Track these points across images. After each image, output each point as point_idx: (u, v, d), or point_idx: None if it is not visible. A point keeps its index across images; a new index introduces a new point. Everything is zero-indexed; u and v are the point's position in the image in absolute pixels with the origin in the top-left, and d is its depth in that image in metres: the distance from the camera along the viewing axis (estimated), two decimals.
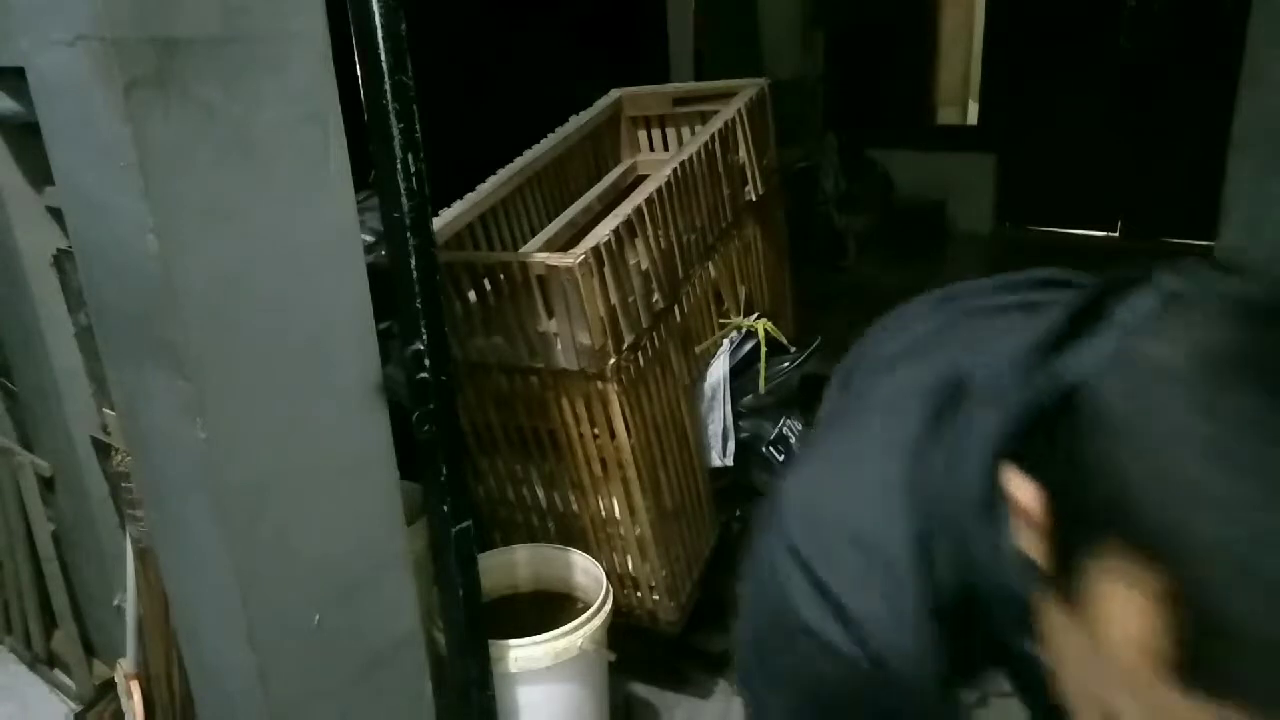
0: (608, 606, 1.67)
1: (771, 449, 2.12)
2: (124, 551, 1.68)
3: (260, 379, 1.15)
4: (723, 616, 2.00)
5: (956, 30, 6.08)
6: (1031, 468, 0.54)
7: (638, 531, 1.83)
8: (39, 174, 1.63)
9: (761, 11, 5.06)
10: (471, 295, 1.78)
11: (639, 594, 1.92)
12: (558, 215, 2.24)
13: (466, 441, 1.95)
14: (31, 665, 2.14)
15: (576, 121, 2.43)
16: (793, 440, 2.12)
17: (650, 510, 1.80)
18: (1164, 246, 5.00)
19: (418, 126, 1.17)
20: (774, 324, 2.20)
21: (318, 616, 1.25)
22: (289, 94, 1.11)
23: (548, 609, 1.78)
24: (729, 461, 2.19)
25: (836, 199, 5.03)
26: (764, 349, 2.12)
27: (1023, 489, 0.53)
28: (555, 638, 1.57)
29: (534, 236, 2.16)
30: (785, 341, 2.22)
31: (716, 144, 2.13)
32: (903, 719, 0.68)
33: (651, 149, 2.58)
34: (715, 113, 2.28)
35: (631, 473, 1.77)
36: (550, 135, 2.35)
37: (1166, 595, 0.44)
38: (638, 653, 1.98)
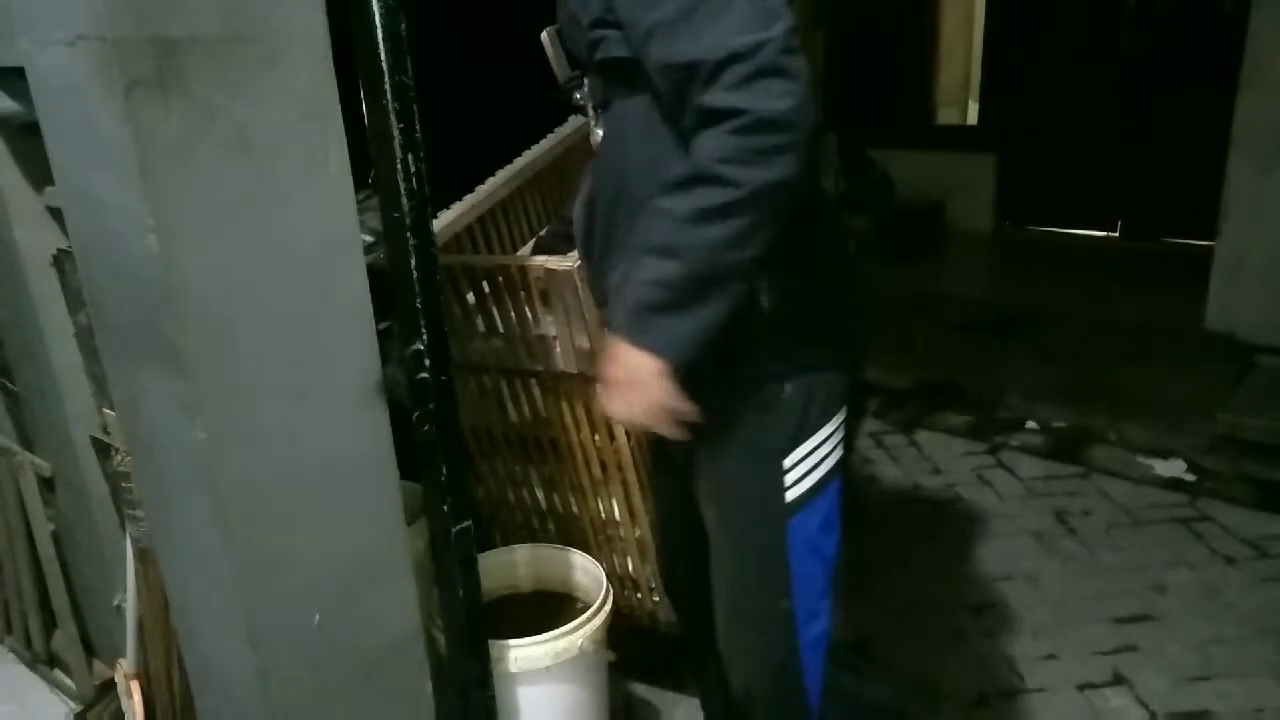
0: (608, 606, 1.67)
1: None
2: (124, 551, 1.68)
3: (260, 379, 1.15)
4: None
5: (956, 30, 6.08)
6: None
7: (638, 533, 1.83)
8: (39, 174, 1.63)
9: None
10: (470, 298, 1.78)
11: (639, 595, 1.92)
12: (557, 216, 2.24)
13: (466, 443, 1.95)
14: (31, 665, 2.14)
15: (576, 122, 2.43)
16: None
17: (650, 512, 1.80)
18: (1164, 246, 5.00)
19: (418, 126, 1.17)
20: None
21: (318, 616, 1.26)
22: (289, 94, 1.11)
23: (548, 609, 1.78)
24: None
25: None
26: None
27: None
28: (555, 638, 1.57)
29: (533, 238, 2.16)
30: None
31: None
32: None
33: None
34: None
35: (631, 475, 1.77)
36: (550, 135, 2.34)
37: None
38: (638, 653, 1.98)
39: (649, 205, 1.10)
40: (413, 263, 1.21)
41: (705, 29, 1.03)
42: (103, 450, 1.70)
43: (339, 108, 1.15)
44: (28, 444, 1.99)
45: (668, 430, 1.16)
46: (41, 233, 1.70)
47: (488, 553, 1.79)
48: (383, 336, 1.27)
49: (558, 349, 1.72)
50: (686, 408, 1.13)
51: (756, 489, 1.26)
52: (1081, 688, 2.02)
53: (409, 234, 1.20)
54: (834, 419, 1.28)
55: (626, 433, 1.73)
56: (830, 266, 1.26)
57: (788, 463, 1.24)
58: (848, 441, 1.33)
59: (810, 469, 1.25)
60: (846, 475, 1.33)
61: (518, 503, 2.00)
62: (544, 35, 1.30)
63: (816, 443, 1.26)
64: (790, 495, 1.25)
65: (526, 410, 1.87)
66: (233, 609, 1.21)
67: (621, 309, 1.14)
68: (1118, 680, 2.04)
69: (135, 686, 1.69)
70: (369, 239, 1.39)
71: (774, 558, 1.27)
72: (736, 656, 1.35)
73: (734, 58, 1.01)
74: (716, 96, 1.02)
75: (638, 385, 1.13)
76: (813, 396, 1.24)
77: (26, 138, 1.53)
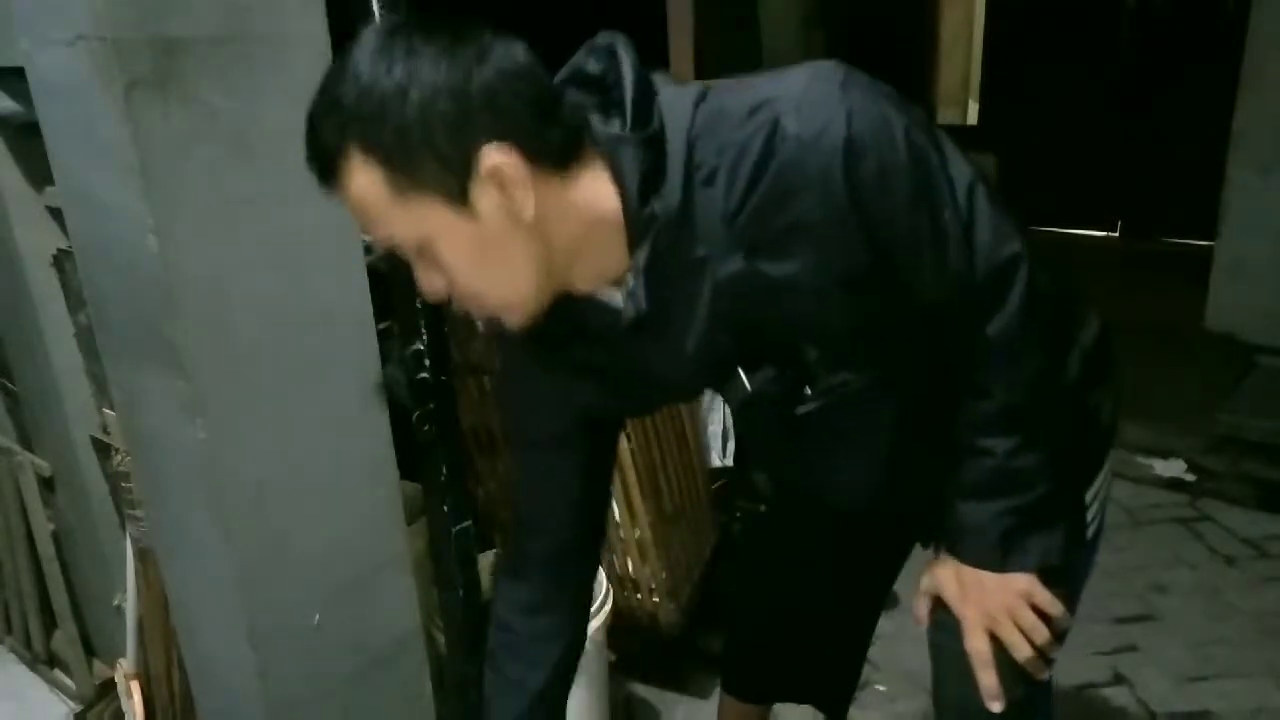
0: (608, 606, 1.67)
1: None
2: (124, 551, 1.68)
3: (260, 379, 1.15)
4: (723, 617, 2.00)
5: (956, 30, 6.08)
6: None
7: (638, 534, 1.83)
8: (39, 174, 1.63)
9: (762, 11, 5.07)
10: None
11: (639, 596, 1.92)
12: None
13: (466, 443, 1.95)
14: (31, 665, 2.14)
15: None
16: None
17: (650, 513, 1.80)
18: (1164, 246, 5.00)
19: None
20: None
21: (318, 616, 1.26)
22: (289, 94, 1.11)
23: None
24: (729, 462, 2.19)
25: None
26: None
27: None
28: None
29: None
30: None
31: None
32: None
33: None
34: None
35: (631, 476, 1.77)
36: None
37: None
38: (638, 653, 1.98)
39: (961, 442, 1.00)
40: None
41: (954, 251, 0.88)
42: (103, 450, 1.70)
43: None
44: (28, 444, 1.99)
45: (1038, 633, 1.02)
46: (41, 233, 1.70)
47: (488, 553, 1.79)
48: (383, 336, 1.27)
49: None
50: (1058, 608, 1.02)
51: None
52: (1081, 688, 2.02)
53: None
54: (1109, 455, 1.19)
55: (627, 435, 1.73)
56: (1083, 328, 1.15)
57: (1087, 496, 1.13)
58: None
59: (1097, 512, 1.16)
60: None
61: None
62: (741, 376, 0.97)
63: (1104, 479, 1.16)
64: (1089, 533, 1.14)
65: None
66: (233, 609, 1.21)
67: (975, 549, 1.02)
68: (1118, 680, 2.04)
69: (135, 686, 1.69)
70: (369, 239, 1.39)
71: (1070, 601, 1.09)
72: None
73: (1005, 270, 0.90)
74: (1008, 330, 0.92)
75: (1019, 602, 1.02)
76: (1107, 420, 1.18)
77: (26, 138, 1.53)
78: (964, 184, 0.87)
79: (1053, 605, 1.01)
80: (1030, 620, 1.01)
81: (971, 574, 1.03)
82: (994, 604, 1.02)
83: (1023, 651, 1.02)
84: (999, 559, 1.01)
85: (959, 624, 1.06)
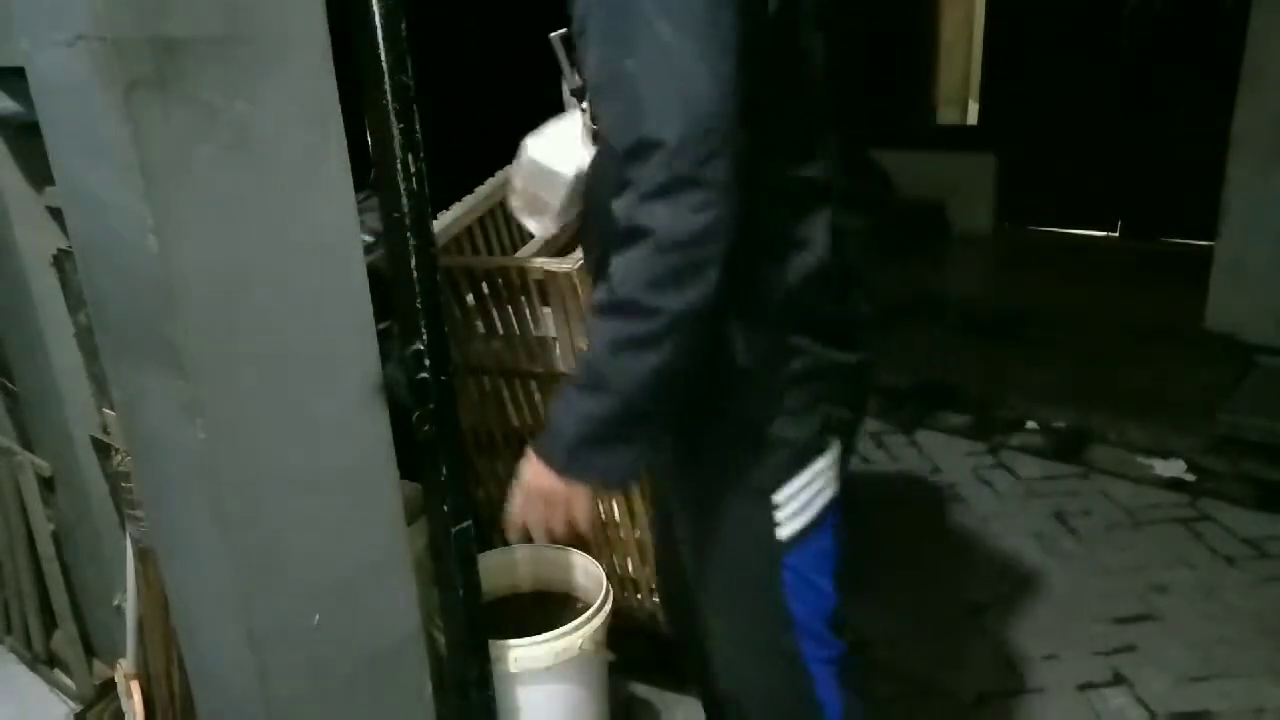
0: (608, 606, 1.67)
1: None
2: (124, 551, 1.68)
3: (260, 379, 1.15)
4: None
5: (956, 30, 6.08)
6: None
7: (637, 535, 1.83)
8: (39, 174, 1.63)
9: None
10: (470, 299, 1.78)
11: (639, 596, 1.92)
12: None
13: (466, 443, 1.95)
14: (31, 665, 2.14)
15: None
16: None
17: (650, 513, 1.80)
18: (1164, 246, 5.00)
19: (418, 126, 1.17)
20: None
21: (318, 616, 1.25)
22: (289, 94, 1.11)
23: (548, 609, 1.78)
24: None
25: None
26: None
27: None
28: (555, 638, 1.57)
29: (532, 239, 2.16)
30: None
31: None
32: None
33: None
34: None
35: None
36: None
37: None
38: (638, 653, 1.98)
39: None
40: (413, 263, 1.21)
41: (622, 104, 0.93)
42: (103, 450, 1.70)
43: (339, 108, 1.15)
44: (28, 444, 1.99)
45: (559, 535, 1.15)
46: (41, 233, 1.70)
47: (488, 553, 1.79)
48: (383, 336, 1.27)
49: (557, 350, 1.72)
50: (590, 521, 1.13)
51: (746, 529, 1.19)
52: (1081, 688, 2.02)
53: (409, 234, 1.20)
54: (827, 453, 1.20)
55: None
56: (811, 308, 1.16)
57: (778, 499, 1.17)
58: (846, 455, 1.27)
59: (803, 505, 1.19)
60: (842, 508, 1.26)
61: None
62: (553, 38, 1.22)
63: (808, 479, 1.18)
64: (783, 533, 1.18)
65: (526, 411, 1.87)
66: (233, 609, 1.21)
67: (552, 440, 1.09)
68: (1118, 680, 2.04)
69: (135, 686, 1.69)
70: (369, 239, 1.39)
71: (770, 597, 1.19)
72: (746, 695, 1.27)
73: (641, 150, 0.92)
74: (628, 207, 0.94)
75: (560, 506, 1.10)
76: (801, 431, 1.17)
77: (26, 138, 1.53)
78: (660, 53, 0.89)
79: (583, 520, 1.10)
80: (550, 516, 1.11)
81: (546, 472, 1.10)
82: (536, 488, 1.11)
83: (537, 534, 1.14)
84: (561, 461, 1.07)
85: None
